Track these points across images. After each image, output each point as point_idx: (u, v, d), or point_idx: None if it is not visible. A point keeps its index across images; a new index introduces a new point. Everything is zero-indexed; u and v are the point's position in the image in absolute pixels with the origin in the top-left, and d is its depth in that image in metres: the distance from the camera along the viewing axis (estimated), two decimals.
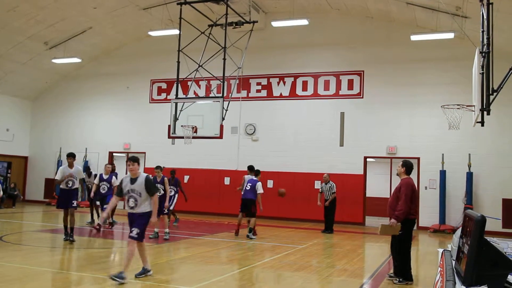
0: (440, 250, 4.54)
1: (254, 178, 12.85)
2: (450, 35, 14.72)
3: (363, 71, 17.73)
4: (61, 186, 10.69)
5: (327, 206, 14.34)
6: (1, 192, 18.80)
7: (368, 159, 17.60)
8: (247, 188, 12.62)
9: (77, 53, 19.94)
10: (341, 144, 17.68)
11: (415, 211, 7.41)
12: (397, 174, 7.62)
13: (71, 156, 10.81)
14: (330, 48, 18.38)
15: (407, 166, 7.42)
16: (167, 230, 11.61)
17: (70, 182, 10.61)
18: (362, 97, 17.65)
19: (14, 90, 22.21)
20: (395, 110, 17.14)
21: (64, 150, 22.23)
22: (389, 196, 8.49)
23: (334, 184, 14.38)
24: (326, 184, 14.41)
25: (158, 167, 12.26)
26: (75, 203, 10.74)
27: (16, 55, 19.74)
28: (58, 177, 10.60)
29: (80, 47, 20.11)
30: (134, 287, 6.60)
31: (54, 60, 19.95)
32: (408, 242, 7.26)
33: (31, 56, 20.19)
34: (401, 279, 7.16)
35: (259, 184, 12.60)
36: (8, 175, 20.52)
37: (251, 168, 13.30)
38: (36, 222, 15.61)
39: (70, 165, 10.67)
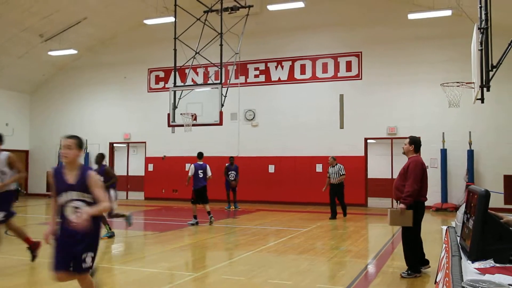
0: (444, 228, 4.55)
1: (202, 163, 12.58)
2: (448, 13, 14.63)
3: (361, 52, 17.64)
4: None
5: (337, 188, 13.47)
6: None
7: (368, 141, 17.60)
8: (200, 176, 12.28)
9: (73, 44, 19.82)
10: (341, 126, 17.67)
11: (425, 192, 6.49)
12: (404, 153, 6.76)
13: None
14: (327, 30, 18.27)
15: (416, 142, 6.62)
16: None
17: None
18: (361, 79, 17.60)
19: (12, 83, 22.13)
20: (394, 90, 17.09)
21: None
22: (390, 177, 7.95)
23: (342, 166, 13.60)
24: (333, 167, 13.58)
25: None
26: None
27: (12, 48, 19.62)
28: None
29: (75, 38, 19.98)
30: (141, 275, 6.64)
31: (50, 52, 19.84)
32: (416, 227, 6.40)
33: (27, 49, 20.07)
34: (409, 272, 6.39)
35: (208, 168, 12.58)
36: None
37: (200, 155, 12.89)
38: (40, 215, 15.67)
39: None
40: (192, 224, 11.98)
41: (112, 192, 9.75)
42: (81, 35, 20.13)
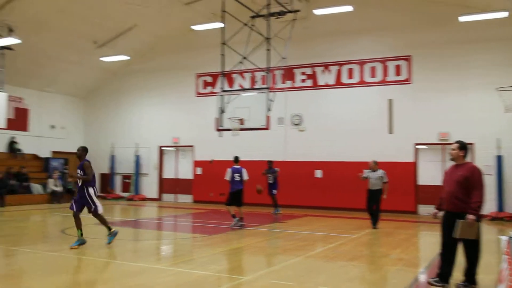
0: (504, 238, 4.39)
1: (238, 167, 12.56)
2: (504, 14, 14.08)
3: (410, 56, 17.27)
4: None
5: (376, 195, 12.23)
6: (61, 188, 19.66)
7: (418, 146, 17.18)
8: (237, 179, 12.32)
9: (124, 50, 20.45)
10: (390, 132, 17.34)
11: None
12: (452, 159, 6.36)
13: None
14: (375, 34, 18.00)
15: (466, 148, 6.20)
16: None
17: None
18: (411, 83, 17.21)
19: (67, 88, 23.09)
20: (445, 94, 16.61)
21: (116, 146, 22.97)
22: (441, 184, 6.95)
23: (384, 172, 12.34)
24: (373, 171, 12.38)
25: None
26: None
27: (67, 55, 20.46)
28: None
29: (127, 45, 20.61)
30: (191, 277, 6.75)
31: (103, 58, 20.55)
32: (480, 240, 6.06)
33: (81, 55, 20.88)
34: (465, 283, 6.07)
35: (244, 171, 12.55)
36: (66, 171, 21.38)
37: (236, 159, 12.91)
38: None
39: None
40: (236, 225, 12.08)
41: (91, 190, 9.05)
42: (132, 41, 20.75)
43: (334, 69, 18.50)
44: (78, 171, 9.20)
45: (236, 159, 12.80)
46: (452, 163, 6.41)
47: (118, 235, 9.30)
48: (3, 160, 19.97)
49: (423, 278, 6.94)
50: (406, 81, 17.28)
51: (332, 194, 17.89)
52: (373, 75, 17.85)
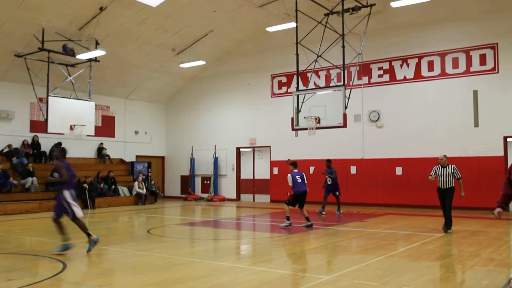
0: None
1: (297, 171, 12.41)
2: None
3: (496, 43, 16.23)
4: None
5: (446, 193, 10.96)
6: (145, 190, 20.64)
7: (508, 139, 16.09)
8: (299, 181, 12.18)
9: (201, 56, 21.06)
10: (476, 125, 16.41)
11: None
12: None
13: None
14: (456, 23, 17.13)
15: None
16: None
17: None
18: (497, 72, 16.19)
19: (149, 95, 24.22)
20: None
21: (195, 149, 23.71)
22: None
23: (455, 167, 11.02)
24: (443, 167, 11.01)
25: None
26: None
27: (149, 63, 21.45)
28: None
29: (203, 50, 21.21)
30: (272, 276, 6.80)
31: (181, 65, 21.29)
32: None
33: (161, 63, 21.80)
34: None
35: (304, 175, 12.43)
36: (149, 174, 22.42)
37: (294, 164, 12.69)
38: (176, 216, 16.84)
39: None
40: (286, 226, 12.01)
41: (66, 194, 8.32)
42: (208, 46, 21.32)
43: (413, 62, 17.83)
44: (54, 173, 8.65)
45: (295, 164, 12.65)
46: None
47: (200, 234, 9.54)
48: (92, 165, 21.32)
49: None
50: (493, 70, 16.28)
51: (413, 192, 17.25)
52: (455, 66, 16.99)
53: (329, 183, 15.60)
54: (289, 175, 12.30)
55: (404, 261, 7.83)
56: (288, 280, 6.55)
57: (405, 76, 18.01)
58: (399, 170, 17.73)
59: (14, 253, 8.67)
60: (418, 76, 17.72)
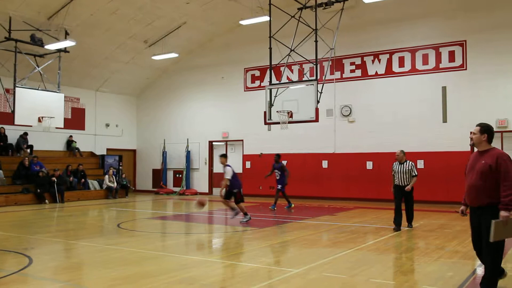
0: None
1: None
2: None
3: (465, 40, 16.58)
4: None
5: (404, 192, 10.60)
6: (116, 183, 20.37)
7: None
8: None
9: (173, 48, 20.83)
10: (444, 120, 16.77)
11: None
12: (473, 144, 5.64)
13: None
14: (427, 20, 17.42)
15: (490, 131, 5.34)
16: None
17: None
18: (466, 69, 16.54)
19: (120, 88, 23.85)
20: (503, 79, 15.87)
21: (168, 142, 23.50)
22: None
23: (413, 164, 10.72)
24: (401, 164, 10.67)
25: None
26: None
27: (120, 55, 21.11)
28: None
29: (176, 42, 21.01)
30: (243, 268, 6.82)
31: (154, 57, 21.02)
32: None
33: (133, 55, 21.48)
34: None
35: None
36: (120, 167, 22.12)
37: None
38: (147, 210, 16.68)
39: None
40: (247, 221, 11.79)
41: None
42: (181, 39, 21.12)
43: (384, 58, 18.07)
44: None
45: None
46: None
47: (171, 228, 9.48)
48: (61, 158, 20.91)
49: (480, 271, 6.68)
50: (461, 67, 16.63)
51: (383, 186, 17.46)
52: (425, 62, 17.30)
53: (277, 178, 15.37)
54: (229, 168, 11.81)
55: (373, 254, 7.96)
56: (258, 274, 6.57)
57: (376, 72, 18.24)
58: (369, 165, 17.98)
59: None
60: (389, 71, 17.97)
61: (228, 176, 11.62)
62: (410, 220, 10.85)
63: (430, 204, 15.80)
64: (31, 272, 6.59)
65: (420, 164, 16.55)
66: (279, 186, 15.29)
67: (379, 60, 18.19)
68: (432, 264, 7.15)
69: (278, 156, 15.65)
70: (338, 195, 18.33)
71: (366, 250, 8.29)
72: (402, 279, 6.23)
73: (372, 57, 18.34)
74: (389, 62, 17.97)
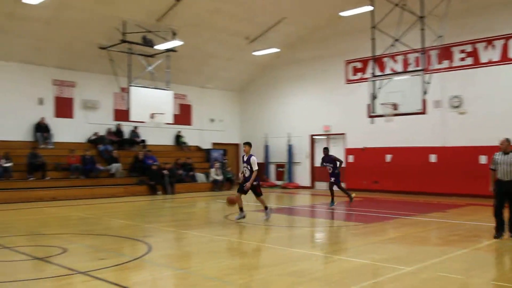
0: None
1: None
2: None
3: None
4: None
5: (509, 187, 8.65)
6: (222, 177, 21.14)
7: None
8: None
9: (274, 43, 21.05)
10: None
11: None
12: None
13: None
14: None
15: None
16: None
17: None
18: None
19: (224, 84, 24.67)
20: None
21: (270, 136, 23.87)
22: None
23: None
24: (505, 154, 8.69)
25: None
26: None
27: (223, 52, 21.80)
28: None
29: (276, 38, 21.20)
30: (349, 264, 6.74)
31: (254, 53, 21.42)
32: None
33: (235, 51, 22.06)
34: None
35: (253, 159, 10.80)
36: (225, 161, 22.91)
37: None
38: (251, 203, 17.07)
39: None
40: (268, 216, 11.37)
41: None
42: (281, 34, 21.27)
43: (499, 44, 16.73)
44: None
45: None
46: None
47: (274, 221, 9.62)
48: (171, 152, 22.14)
49: None
50: None
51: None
52: None
53: (330, 171, 14.44)
54: (255, 159, 10.91)
55: (492, 255, 7.47)
56: (366, 270, 6.46)
57: (490, 59, 16.95)
58: (483, 159, 16.80)
59: (103, 235, 9.25)
60: (505, 58, 16.60)
61: (256, 167, 10.83)
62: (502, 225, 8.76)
63: None
64: (151, 258, 7.07)
65: None
66: (332, 179, 14.43)
67: (493, 46, 16.88)
68: None
69: (327, 149, 14.79)
70: (447, 190, 17.40)
71: (484, 251, 7.78)
72: None
73: (485, 44, 17.06)
74: (505, 48, 16.60)
